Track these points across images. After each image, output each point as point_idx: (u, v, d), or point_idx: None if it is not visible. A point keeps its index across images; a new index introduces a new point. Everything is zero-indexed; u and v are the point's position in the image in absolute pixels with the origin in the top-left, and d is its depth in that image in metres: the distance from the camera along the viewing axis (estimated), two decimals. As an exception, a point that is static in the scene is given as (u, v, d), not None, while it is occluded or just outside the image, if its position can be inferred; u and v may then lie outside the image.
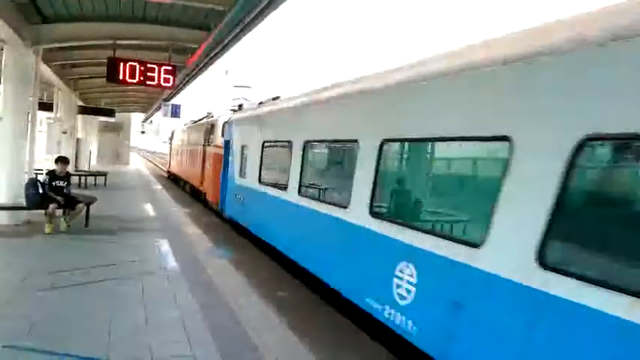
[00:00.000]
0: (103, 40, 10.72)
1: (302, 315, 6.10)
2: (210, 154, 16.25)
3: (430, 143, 5.18)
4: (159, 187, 22.17)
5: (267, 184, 9.41)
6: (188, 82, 15.97)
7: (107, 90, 20.99)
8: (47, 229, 9.34)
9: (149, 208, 14.19)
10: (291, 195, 7.87)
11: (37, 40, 10.17)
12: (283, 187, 8.29)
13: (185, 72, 13.40)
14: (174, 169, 26.67)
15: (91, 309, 5.49)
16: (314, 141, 7.59)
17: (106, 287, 6.32)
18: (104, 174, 20.77)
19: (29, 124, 10.45)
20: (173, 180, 27.20)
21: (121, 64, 9.60)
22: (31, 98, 10.46)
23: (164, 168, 38.48)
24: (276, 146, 9.30)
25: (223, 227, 12.60)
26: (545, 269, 3.30)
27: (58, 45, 11.20)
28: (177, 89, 18.19)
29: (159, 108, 28.35)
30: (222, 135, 14.46)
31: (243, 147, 11.34)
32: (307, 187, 7.71)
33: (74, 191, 10.68)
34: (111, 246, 8.74)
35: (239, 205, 11.43)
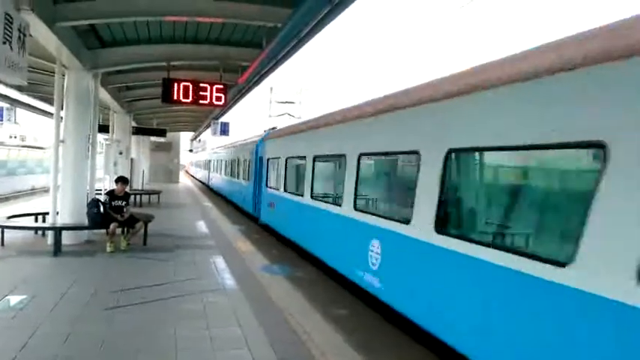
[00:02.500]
0: (157, 62, 11.03)
1: (364, 333, 5.92)
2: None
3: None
4: (209, 204, 22.55)
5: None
6: (238, 99, 16.23)
7: (159, 110, 21.66)
8: (109, 248, 9.58)
9: (202, 225, 14.39)
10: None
11: (95, 65, 10.58)
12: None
13: (236, 90, 13.61)
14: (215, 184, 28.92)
15: (156, 327, 5.52)
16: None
17: (168, 305, 6.36)
18: (158, 192, 21.34)
19: (90, 146, 10.81)
20: (218, 195, 28.73)
21: (175, 84, 9.80)
22: (91, 121, 10.83)
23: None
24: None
25: (275, 243, 12.59)
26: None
27: (115, 68, 11.62)
28: (227, 107, 18.53)
29: (208, 126, 29.00)
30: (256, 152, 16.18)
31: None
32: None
33: (131, 210, 10.95)
34: (169, 264, 8.85)
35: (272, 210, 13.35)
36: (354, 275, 7.29)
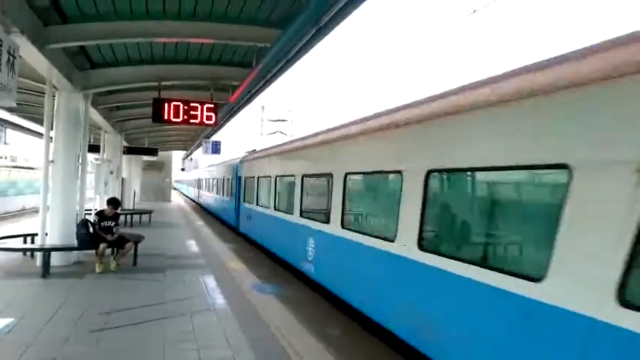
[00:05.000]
0: (148, 82, 11.08)
1: (355, 354, 5.88)
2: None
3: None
4: (200, 222, 22.46)
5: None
6: (229, 118, 16.29)
7: (151, 130, 21.66)
8: (98, 269, 9.49)
9: (193, 244, 14.31)
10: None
11: (86, 85, 10.60)
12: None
13: (226, 109, 13.67)
14: (204, 201, 31.06)
15: (145, 348, 5.46)
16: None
17: (157, 326, 6.30)
18: (149, 212, 21.22)
19: (79, 166, 10.78)
20: (208, 212, 29.92)
21: (166, 104, 9.84)
22: (81, 141, 10.82)
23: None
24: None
25: (266, 262, 12.54)
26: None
27: (106, 89, 11.65)
28: (218, 126, 18.58)
29: (199, 145, 29.02)
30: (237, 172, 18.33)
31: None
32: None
33: (121, 230, 10.88)
34: (159, 284, 8.78)
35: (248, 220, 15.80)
36: (298, 264, 9.99)
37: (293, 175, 10.80)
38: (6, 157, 65.33)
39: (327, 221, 8.28)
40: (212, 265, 10.94)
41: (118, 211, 10.69)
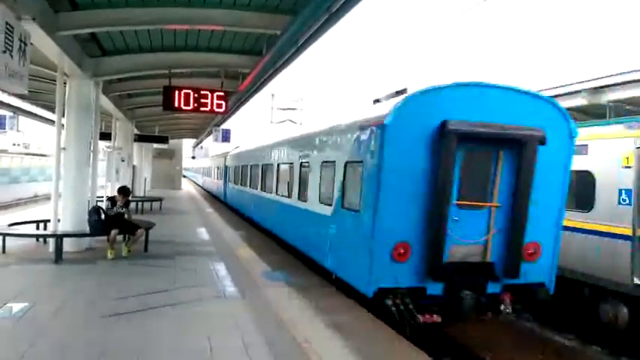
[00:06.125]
0: (158, 69, 11.08)
1: (364, 340, 5.88)
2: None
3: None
4: (210, 210, 22.58)
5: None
6: (239, 106, 16.27)
7: (161, 117, 21.71)
8: (110, 255, 9.58)
9: (203, 232, 14.41)
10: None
11: (97, 73, 10.61)
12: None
13: (236, 97, 13.65)
14: (206, 186, 39.71)
15: (155, 335, 5.51)
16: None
17: (168, 313, 6.36)
18: (160, 199, 21.36)
19: (91, 154, 10.84)
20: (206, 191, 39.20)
21: (176, 92, 9.81)
22: (92, 128, 10.86)
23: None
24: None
25: (276, 250, 12.58)
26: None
27: (116, 76, 11.67)
28: (228, 114, 18.58)
29: (210, 133, 29.07)
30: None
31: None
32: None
33: (132, 217, 10.95)
34: (170, 270, 8.85)
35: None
36: (247, 212, 18.00)
37: (248, 165, 17.64)
38: (19, 144, 65.92)
39: (258, 189, 15.39)
40: (222, 252, 11.01)
41: (129, 198, 10.76)
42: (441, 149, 6.05)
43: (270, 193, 13.32)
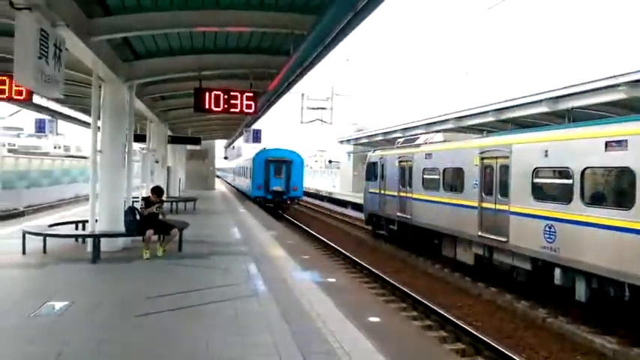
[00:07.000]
0: (189, 72, 11.24)
1: (396, 342, 5.81)
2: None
3: None
4: (243, 210, 22.83)
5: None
6: (269, 107, 16.36)
7: (193, 119, 22.07)
8: (145, 255, 9.77)
9: (236, 232, 14.55)
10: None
11: (130, 76, 10.85)
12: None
13: (266, 97, 13.73)
14: (235, 183, 46.92)
15: (188, 334, 5.58)
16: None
17: (200, 311, 6.44)
18: (194, 199, 21.72)
19: (126, 155, 11.09)
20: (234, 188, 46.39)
21: (207, 93, 9.95)
22: (127, 131, 11.11)
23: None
24: None
25: (308, 250, 12.63)
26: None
27: (149, 79, 11.91)
28: (258, 115, 18.72)
29: (241, 134, 29.40)
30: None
31: None
32: None
33: (167, 217, 11.14)
34: (203, 270, 8.98)
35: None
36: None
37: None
38: (60, 147, 68.41)
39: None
40: (254, 252, 11.09)
41: (163, 198, 10.96)
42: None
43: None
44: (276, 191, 26.89)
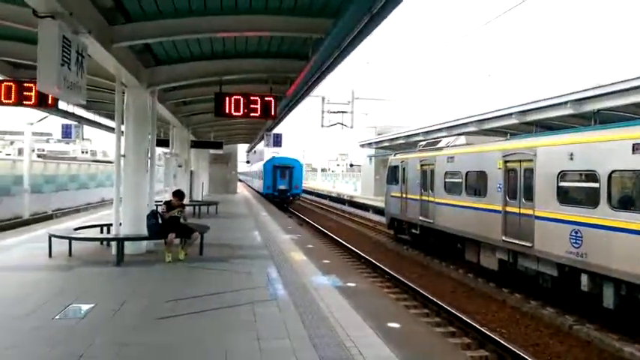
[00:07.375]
0: (209, 77, 11.35)
1: (415, 348, 5.73)
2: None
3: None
4: (264, 213, 22.91)
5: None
6: (289, 111, 16.41)
7: (215, 124, 22.28)
8: (167, 258, 9.87)
9: (257, 236, 14.61)
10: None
11: (152, 82, 11.01)
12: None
13: (285, 102, 13.77)
14: (252, 184, 55.02)
15: (207, 337, 5.61)
16: None
17: (220, 315, 6.46)
18: (216, 203, 21.90)
19: (148, 160, 11.24)
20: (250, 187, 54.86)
21: (227, 98, 10.03)
22: (149, 136, 11.27)
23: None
24: None
25: (328, 254, 12.58)
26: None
27: (170, 85, 12.07)
28: (278, 119, 18.79)
29: (262, 138, 29.57)
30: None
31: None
32: None
33: (189, 221, 11.24)
34: (224, 274, 9.02)
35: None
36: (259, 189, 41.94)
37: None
38: (86, 152, 70.03)
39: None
40: (275, 256, 11.10)
41: (184, 202, 11.06)
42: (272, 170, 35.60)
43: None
44: (282, 190, 35.27)
